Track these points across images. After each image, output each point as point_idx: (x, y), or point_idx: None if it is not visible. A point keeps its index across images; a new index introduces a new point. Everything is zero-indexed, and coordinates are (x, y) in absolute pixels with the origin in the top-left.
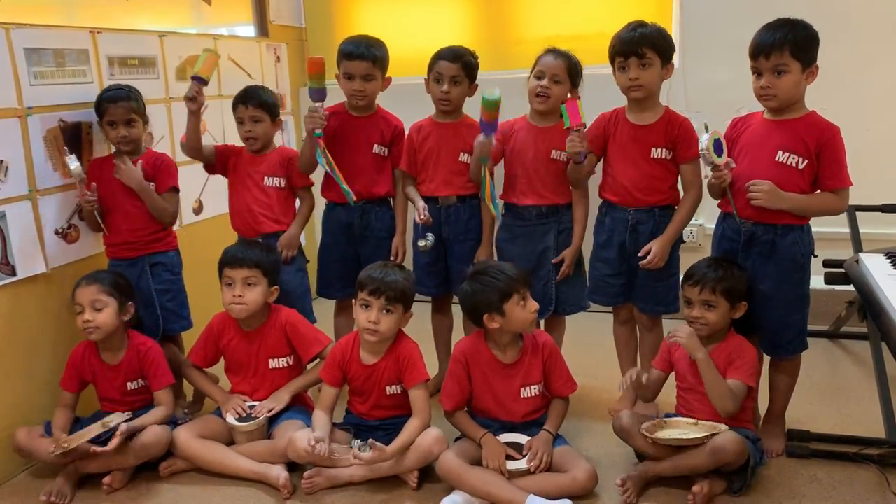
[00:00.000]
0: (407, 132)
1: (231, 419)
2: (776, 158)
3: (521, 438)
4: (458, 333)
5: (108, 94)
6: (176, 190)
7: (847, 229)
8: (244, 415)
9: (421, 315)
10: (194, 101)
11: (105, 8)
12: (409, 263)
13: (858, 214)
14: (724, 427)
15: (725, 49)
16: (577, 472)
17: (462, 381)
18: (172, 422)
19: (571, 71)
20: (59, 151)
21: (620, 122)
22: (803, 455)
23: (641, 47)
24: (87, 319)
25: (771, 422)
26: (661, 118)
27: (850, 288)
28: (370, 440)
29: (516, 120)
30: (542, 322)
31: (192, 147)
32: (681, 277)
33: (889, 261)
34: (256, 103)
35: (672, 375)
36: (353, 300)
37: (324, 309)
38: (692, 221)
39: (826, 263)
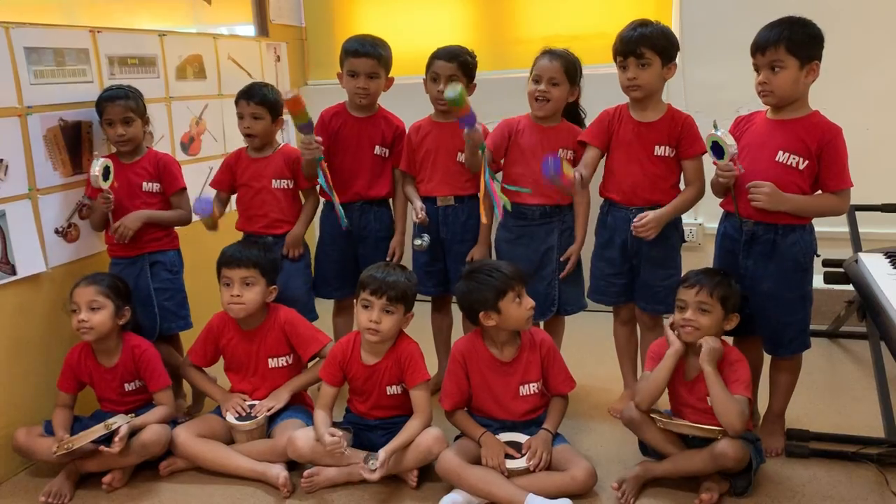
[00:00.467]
0: (408, 130)
1: (231, 418)
2: (776, 158)
3: (521, 437)
4: (457, 333)
5: (106, 93)
6: (184, 190)
7: (846, 229)
8: (244, 414)
9: (420, 315)
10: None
11: (105, 7)
12: (407, 264)
13: (858, 214)
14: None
15: (725, 49)
16: (576, 471)
17: (460, 381)
18: (172, 421)
19: (569, 71)
20: (60, 151)
21: (624, 118)
22: (803, 454)
23: (640, 47)
24: (82, 319)
25: (771, 421)
26: (664, 116)
27: (850, 287)
28: (380, 456)
29: (520, 118)
30: (542, 322)
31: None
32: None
33: (888, 260)
34: (258, 100)
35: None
36: (354, 300)
37: (322, 309)
38: (692, 221)
39: (825, 263)
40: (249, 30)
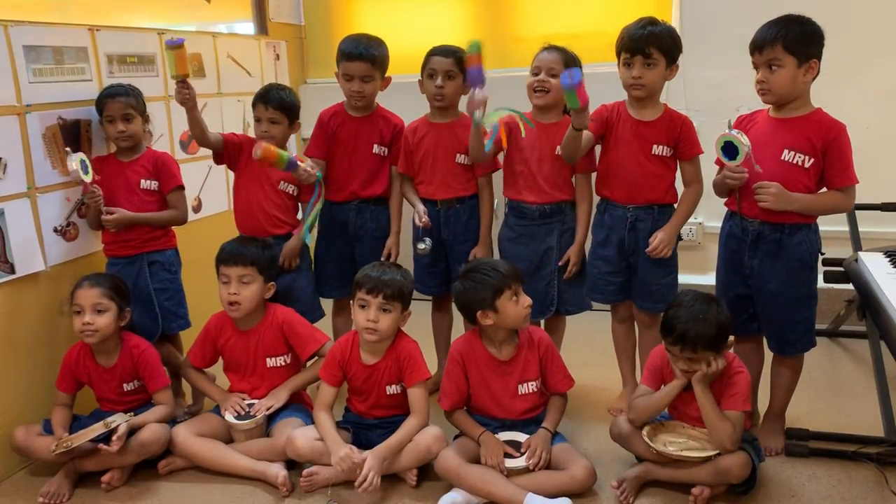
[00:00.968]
0: (404, 131)
1: (230, 417)
2: (782, 157)
3: (520, 436)
4: (457, 332)
5: (107, 90)
6: (181, 188)
7: (846, 228)
8: (243, 413)
9: (421, 314)
10: (187, 101)
11: (104, 5)
12: (407, 264)
13: (858, 213)
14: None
15: (725, 48)
16: (575, 470)
17: (459, 381)
18: (171, 420)
19: (568, 63)
20: (59, 149)
21: (622, 116)
22: (802, 454)
23: (649, 47)
24: (88, 322)
25: (771, 420)
26: (662, 116)
27: (850, 286)
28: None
29: None
30: (542, 322)
31: (197, 139)
32: (678, 275)
33: (888, 259)
34: (276, 105)
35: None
36: (351, 300)
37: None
38: (692, 220)
39: (825, 262)
40: (249, 28)
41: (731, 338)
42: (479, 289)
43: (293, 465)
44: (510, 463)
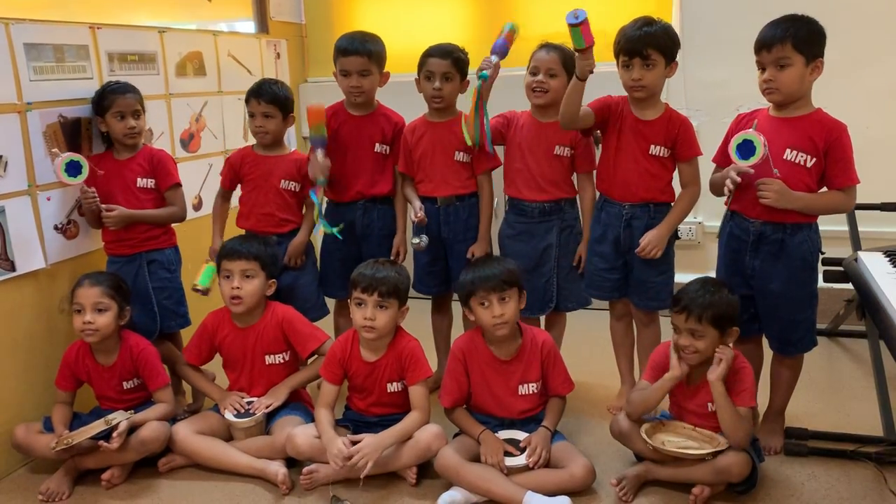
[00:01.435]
0: (403, 131)
1: (229, 415)
2: (784, 157)
3: (520, 435)
4: (457, 332)
5: (114, 86)
6: (178, 185)
7: (846, 228)
8: (242, 411)
9: (421, 313)
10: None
11: (105, 3)
12: (408, 262)
13: (857, 213)
14: (722, 439)
15: (725, 47)
16: (574, 468)
17: (460, 378)
18: (171, 418)
19: (566, 63)
20: (59, 148)
21: (624, 112)
22: (801, 453)
23: (646, 48)
24: (89, 321)
25: (771, 419)
26: (662, 115)
27: (849, 286)
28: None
29: (521, 113)
30: (542, 319)
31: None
32: (675, 274)
33: (888, 259)
34: (269, 99)
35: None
36: (349, 300)
37: None
38: (691, 219)
39: (825, 262)
40: (249, 26)
41: (736, 329)
42: (459, 285)
43: (293, 464)
44: (510, 461)
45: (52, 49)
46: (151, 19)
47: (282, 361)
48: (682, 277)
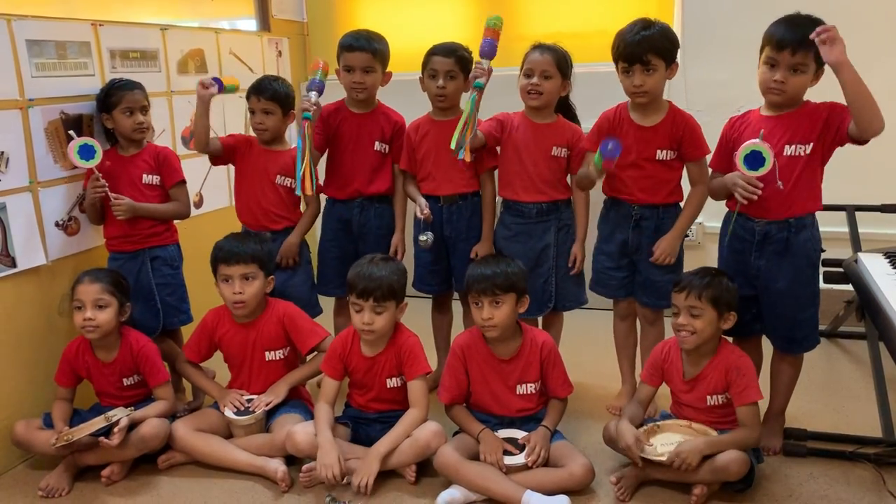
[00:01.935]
0: (406, 129)
1: (229, 413)
2: (785, 153)
3: (519, 434)
4: (457, 330)
5: (122, 83)
6: (183, 182)
7: (846, 229)
8: (242, 409)
9: (421, 312)
10: (204, 97)
11: (107, 0)
12: (409, 261)
13: (857, 214)
14: (715, 434)
15: (726, 47)
16: (573, 467)
17: (459, 375)
18: (171, 415)
19: (560, 64)
20: (61, 144)
21: (624, 122)
22: (800, 453)
23: (646, 54)
24: (89, 318)
25: (771, 419)
26: (665, 118)
27: (849, 287)
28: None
29: (515, 115)
30: (539, 319)
31: (199, 141)
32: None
33: (888, 260)
34: (269, 95)
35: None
36: (348, 299)
37: (323, 308)
38: None
39: (825, 263)
40: (251, 24)
41: (734, 314)
42: (465, 278)
43: (293, 461)
44: (509, 460)
45: (54, 46)
46: (153, 16)
47: (281, 358)
48: None
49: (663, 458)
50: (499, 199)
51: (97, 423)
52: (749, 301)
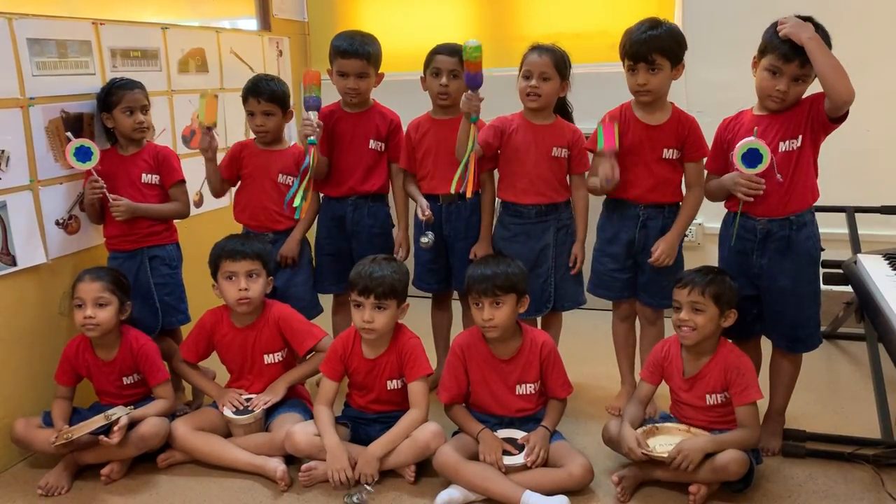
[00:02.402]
0: (406, 127)
1: (228, 412)
2: (780, 150)
3: (518, 434)
4: (457, 329)
5: (122, 82)
6: (183, 182)
7: (846, 230)
8: (241, 408)
9: (421, 311)
10: (208, 151)
11: None
12: (410, 260)
13: (857, 216)
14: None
15: (727, 48)
16: (572, 467)
17: (459, 375)
18: (171, 414)
19: (559, 65)
20: (62, 142)
21: (630, 120)
22: (799, 454)
23: (651, 53)
24: (89, 316)
25: (770, 419)
26: (671, 118)
27: (848, 289)
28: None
29: (513, 117)
30: (538, 319)
31: (214, 191)
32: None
33: (887, 262)
34: (268, 97)
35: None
36: (349, 298)
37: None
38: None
39: (825, 264)
40: (252, 24)
41: (735, 311)
42: (465, 278)
43: (292, 460)
44: (508, 460)
45: (55, 44)
46: (154, 16)
47: (280, 360)
48: None
49: (664, 456)
50: (498, 199)
51: (97, 421)
52: (750, 302)
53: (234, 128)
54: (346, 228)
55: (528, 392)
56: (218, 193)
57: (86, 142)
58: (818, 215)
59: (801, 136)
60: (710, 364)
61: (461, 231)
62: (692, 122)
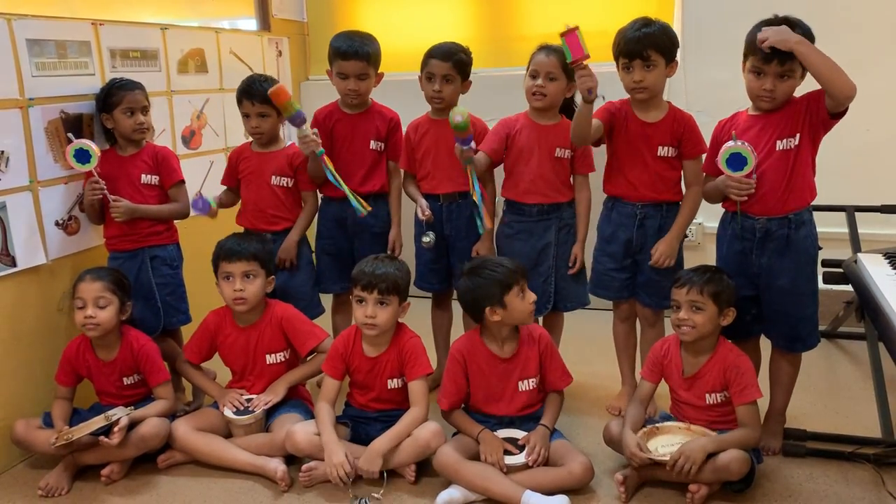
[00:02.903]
0: (405, 128)
1: (228, 413)
2: (777, 148)
3: (518, 434)
4: (457, 329)
5: (122, 82)
6: (182, 182)
7: (846, 229)
8: (241, 408)
9: (421, 311)
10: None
11: (107, 0)
12: (411, 260)
13: (857, 215)
14: (714, 435)
15: (727, 48)
16: (573, 466)
17: (459, 380)
18: (171, 415)
19: (565, 66)
20: (61, 143)
21: (629, 117)
22: (799, 454)
23: (646, 50)
24: (90, 316)
25: (771, 419)
26: (667, 115)
27: (849, 288)
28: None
29: (518, 117)
30: (540, 319)
31: (229, 204)
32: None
33: (887, 261)
34: (262, 99)
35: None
36: (350, 297)
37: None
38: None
39: (825, 263)
40: (251, 24)
41: (733, 310)
42: (487, 285)
43: (292, 460)
44: (509, 460)
45: (55, 45)
46: (154, 16)
47: (282, 360)
48: None
49: (666, 459)
50: (500, 198)
51: (97, 422)
52: (749, 302)
53: (232, 129)
54: (348, 228)
55: (531, 387)
56: (233, 204)
57: (86, 143)
58: (818, 214)
59: (798, 135)
60: (709, 363)
61: (462, 230)
62: (689, 119)
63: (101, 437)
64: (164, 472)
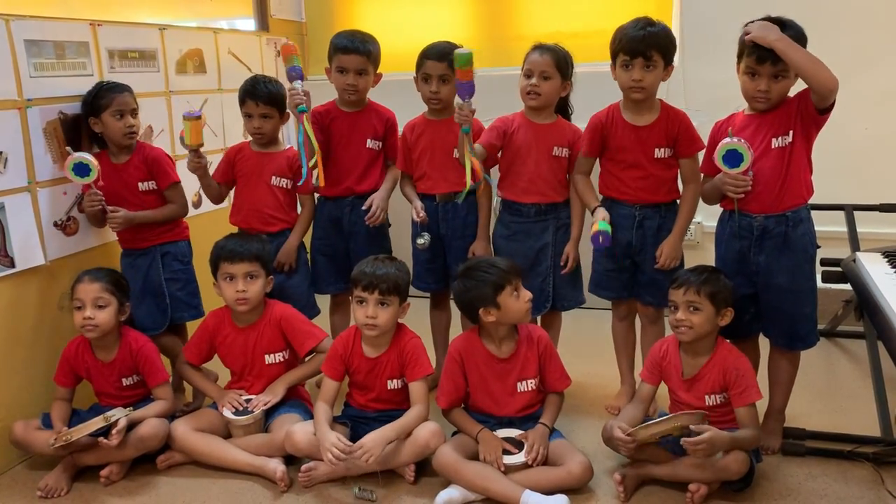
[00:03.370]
0: (402, 129)
1: (227, 413)
2: (773, 146)
3: (517, 433)
4: (456, 329)
5: (110, 85)
6: (177, 183)
7: (845, 228)
8: (240, 409)
9: (419, 311)
10: (199, 169)
11: (105, 0)
12: (408, 260)
13: (856, 214)
14: (701, 413)
15: (725, 48)
16: (572, 465)
17: (457, 380)
18: (170, 415)
19: (560, 65)
20: (60, 144)
21: (618, 123)
22: (799, 453)
23: (649, 49)
24: (89, 317)
25: (770, 418)
26: (659, 116)
27: (847, 287)
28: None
29: (514, 116)
30: (538, 318)
31: (213, 198)
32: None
33: (886, 260)
34: (266, 100)
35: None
36: (350, 297)
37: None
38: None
39: (823, 262)
40: (250, 24)
41: (731, 310)
42: (480, 286)
43: (292, 461)
44: (509, 459)
45: (53, 46)
46: (152, 16)
47: (281, 360)
48: None
49: (655, 428)
50: (497, 198)
51: (96, 423)
52: (748, 301)
53: (231, 130)
54: (343, 228)
55: (530, 388)
56: (216, 200)
57: (84, 158)
58: (817, 213)
59: (791, 132)
60: (708, 365)
61: (458, 230)
62: (683, 117)
63: (101, 438)
64: (164, 472)
